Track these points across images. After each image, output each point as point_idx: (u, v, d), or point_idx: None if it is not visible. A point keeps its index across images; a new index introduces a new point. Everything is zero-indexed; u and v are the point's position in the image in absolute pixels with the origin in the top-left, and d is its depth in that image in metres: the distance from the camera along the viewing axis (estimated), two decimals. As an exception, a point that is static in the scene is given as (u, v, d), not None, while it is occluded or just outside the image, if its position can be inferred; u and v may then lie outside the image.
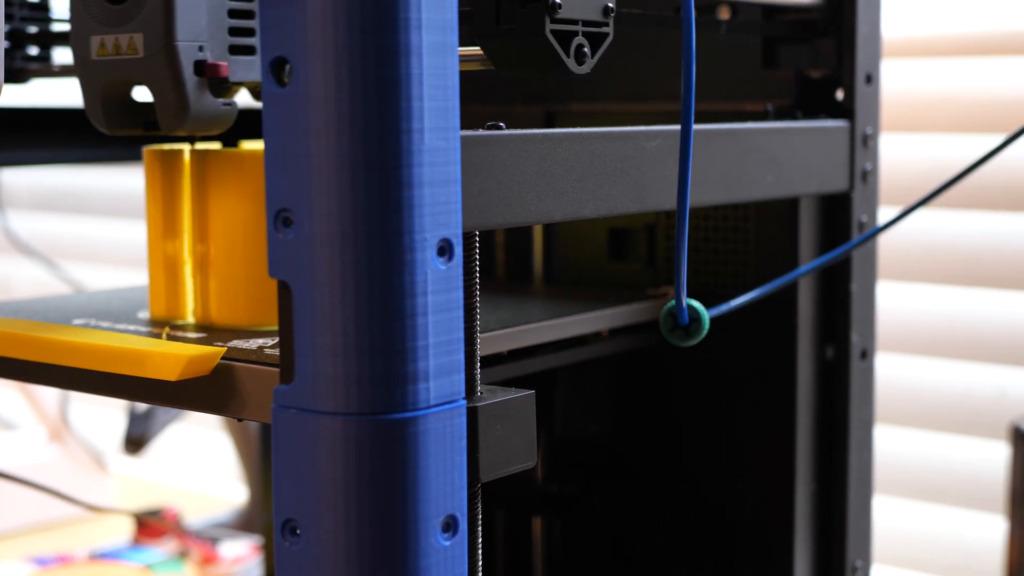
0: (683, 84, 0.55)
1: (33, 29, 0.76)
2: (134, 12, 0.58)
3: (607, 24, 0.55)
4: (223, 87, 0.59)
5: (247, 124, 0.67)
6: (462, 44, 0.53)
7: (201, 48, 0.58)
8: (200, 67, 0.58)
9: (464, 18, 0.54)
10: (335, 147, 0.44)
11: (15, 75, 0.75)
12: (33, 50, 0.76)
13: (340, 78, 0.44)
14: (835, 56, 0.75)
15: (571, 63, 0.54)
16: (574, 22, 0.54)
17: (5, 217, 1.47)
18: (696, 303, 0.60)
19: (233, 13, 0.60)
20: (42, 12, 0.76)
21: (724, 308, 0.63)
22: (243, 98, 0.63)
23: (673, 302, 0.60)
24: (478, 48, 0.55)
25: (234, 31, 0.60)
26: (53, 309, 0.68)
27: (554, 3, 0.52)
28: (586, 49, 0.55)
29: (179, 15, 0.57)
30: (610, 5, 0.55)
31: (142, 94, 0.61)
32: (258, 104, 0.67)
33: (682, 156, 0.56)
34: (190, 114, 0.58)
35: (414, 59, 0.45)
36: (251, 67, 0.61)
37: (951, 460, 1.15)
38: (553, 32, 0.53)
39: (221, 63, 0.59)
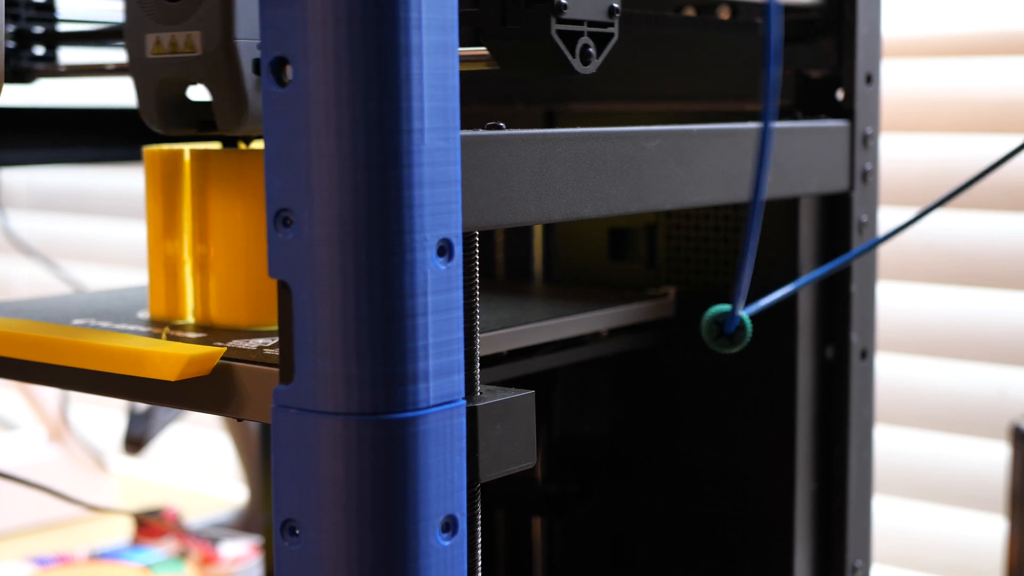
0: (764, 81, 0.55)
1: (39, 29, 0.76)
2: (191, 9, 0.57)
3: (612, 24, 0.55)
4: None
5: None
6: (467, 44, 0.53)
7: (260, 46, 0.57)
8: (259, 65, 0.56)
9: (469, 18, 0.54)
10: (335, 147, 0.44)
11: (21, 75, 0.76)
12: (39, 50, 0.76)
13: (340, 78, 0.44)
14: (835, 56, 0.75)
15: (576, 63, 0.54)
16: (579, 22, 0.54)
17: (5, 217, 1.47)
18: (742, 312, 0.61)
19: None
20: (48, 12, 0.77)
21: (759, 306, 0.63)
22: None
23: (715, 309, 0.60)
24: (483, 48, 0.56)
25: None
26: (53, 309, 0.68)
27: (560, 3, 0.52)
28: (591, 49, 0.55)
29: (238, 12, 0.56)
30: (615, 5, 0.55)
31: (198, 93, 0.60)
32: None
33: (761, 156, 0.57)
34: (248, 113, 0.57)
35: (414, 59, 0.45)
36: None
37: (951, 460, 1.15)
38: (559, 32, 0.53)
39: None
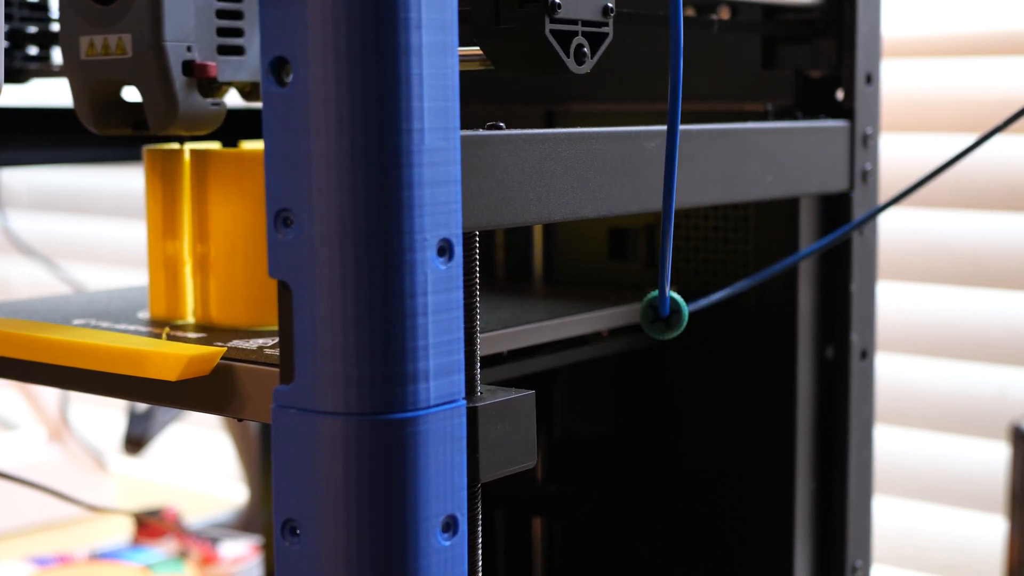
0: (671, 74, 0.55)
1: (33, 29, 0.76)
2: (122, 13, 0.58)
3: (607, 24, 0.55)
4: (212, 87, 0.60)
5: (247, 124, 0.67)
6: (461, 44, 0.53)
7: (189, 48, 0.58)
8: (188, 67, 0.58)
9: (463, 18, 0.54)
10: (335, 147, 0.44)
11: (15, 75, 0.75)
12: (33, 50, 0.76)
13: (340, 78, 0.44)
14: (835, 56, 0.75)
15: (571, 63, 0.54)
16: (574, 22, 0.54)
17: (5, 217, 1.47)
18: (677, 295, 0.60)
19: (221, 14, 0.60)
20: (41, 12, 0.76)
21: (704, 303, 0.62)
22: (232, 98, 0.63)
23: (654, 294, 0.60)
24: (478, 48, 0.55)
25: (222, 31, 0.60)
26: (53, 309, 0.68)
27: (554, 3, 0.52)
28: (586, 49, 0.55)
29: (167, 16, 0.57)
30: (610, 5, 0.55)
31: (131, 94, 0.61)
32: (246, 104, 0.67)
33: (669, 146, 0.56)
34: (179, 114, 0.59)
35: (414, 59, 0.45)
36: (240, 67, 0.61)
37: (951, 460, 1.15)
38: (553, 32, 0.53)
39: (209, 63, 0.59)
